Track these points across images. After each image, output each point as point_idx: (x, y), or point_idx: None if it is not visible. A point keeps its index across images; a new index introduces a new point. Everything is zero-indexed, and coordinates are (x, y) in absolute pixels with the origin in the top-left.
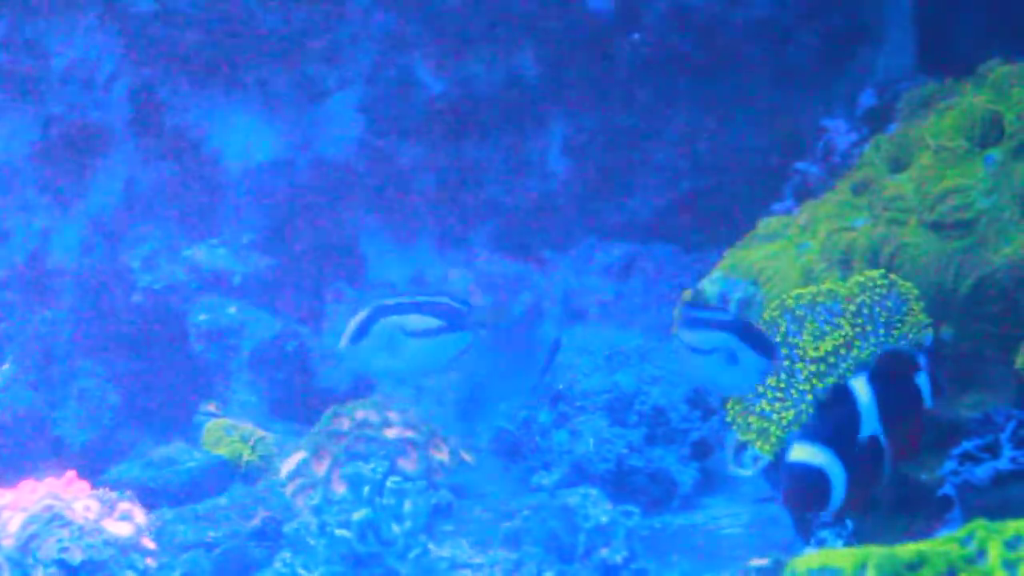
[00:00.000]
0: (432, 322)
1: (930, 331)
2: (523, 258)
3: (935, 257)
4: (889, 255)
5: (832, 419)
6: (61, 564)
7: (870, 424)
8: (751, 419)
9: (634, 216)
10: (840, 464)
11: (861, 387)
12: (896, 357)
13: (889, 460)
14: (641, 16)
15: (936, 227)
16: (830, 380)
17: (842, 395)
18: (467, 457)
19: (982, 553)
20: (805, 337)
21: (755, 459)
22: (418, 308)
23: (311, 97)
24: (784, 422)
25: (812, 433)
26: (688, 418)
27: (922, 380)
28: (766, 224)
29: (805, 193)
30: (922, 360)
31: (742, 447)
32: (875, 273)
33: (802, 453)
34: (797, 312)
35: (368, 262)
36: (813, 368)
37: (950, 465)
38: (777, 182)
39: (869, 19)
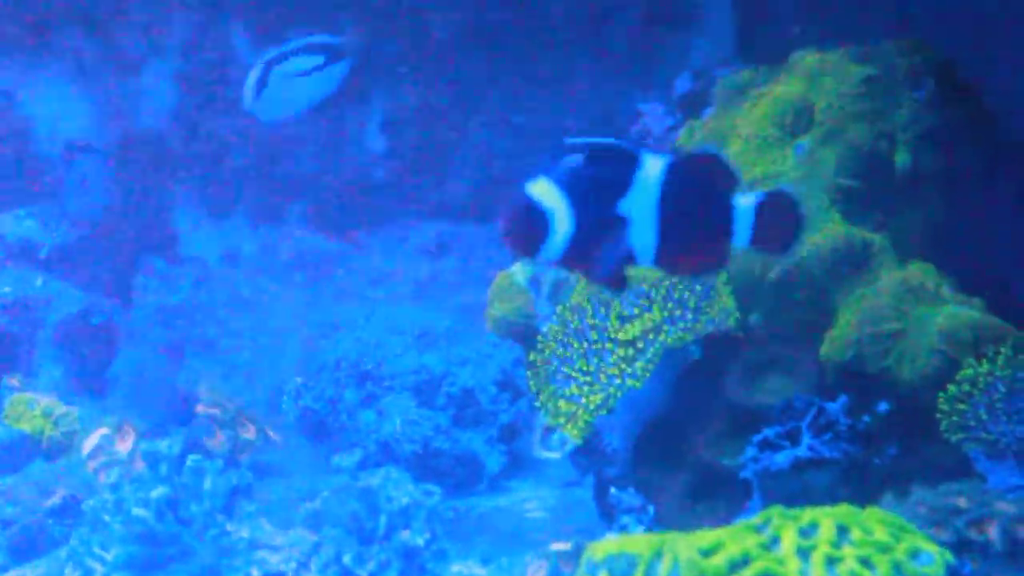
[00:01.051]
0: (316, 59)
1: (736, 315)
2: (338, 235)
3: None
4: None
5: (594, 173)
6: None
7: (639, 203)
8: (560, 403)
9: (450, 196)
10: (573, 221)
11: (653, 165)
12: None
13: (650, 255)
14: None
15: None
16: (639, 365)
17: (625, 158)
18: (273, 435)
19: (776, 540)
20: (612, 320)
21: (563, 443)
22: (300, 51)
23: (125, 67)
24: (592, 406)
25: (562, 177)
26: (497, 400)
27: (743, 214)
28: None
29: None
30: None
31: (550, 430)
32: None
33: (537, 188)
34: (603, 296)
35: (181, 236)
36: (622, 352)
37: (750, 452)
38: None
39: (689, 4)
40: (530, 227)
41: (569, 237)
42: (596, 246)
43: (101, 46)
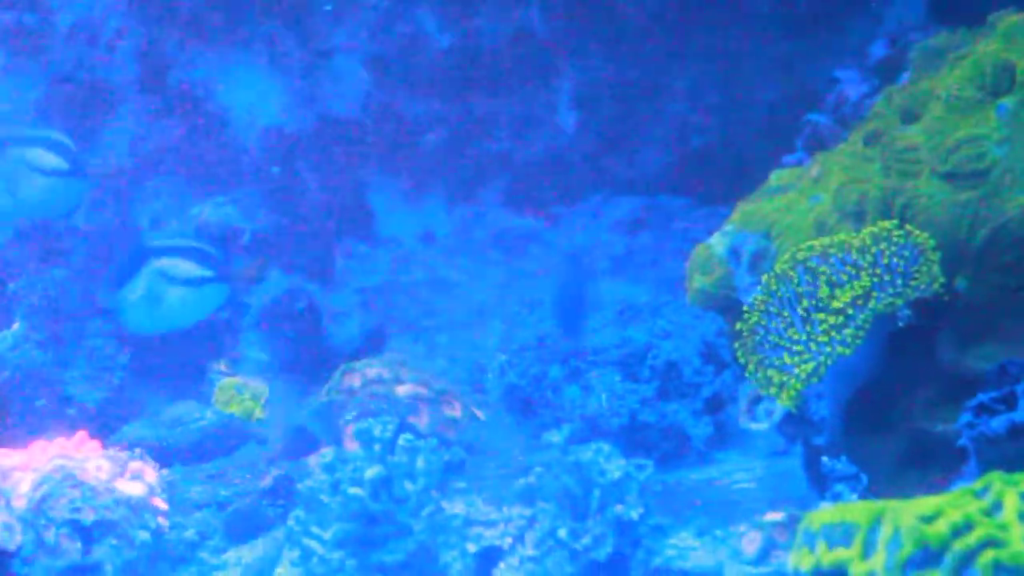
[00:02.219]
0: (197, 270)
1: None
2: (533, 212)
3: (948, 208)
4: (902, 206)
5: None
6: (73, 524)
7: None
8: (770, 373)
9: (644, 170)
10: None
11: None
12: None
13: None
14: None
15: (949, 177)
16: (848, 332)
17: None
18: (479, 414)
19: (998, 505)
20: (822, 287)
21: (769, 413)
22: (182, 253)
23: (317, 53)
24: (804, 375)
25: None
26: (701, 372)
27: None
28: (778, 176)
29: (817, 145)
30: None
31: (756, 401)
32: (889, 224)
33: None
34: (809, 264)
35: (378, 218)
36: (832, 319)
37: (965, 417)
38: (789, 134)
39: None
40: None
41: None
42: None
43: (293, 33)
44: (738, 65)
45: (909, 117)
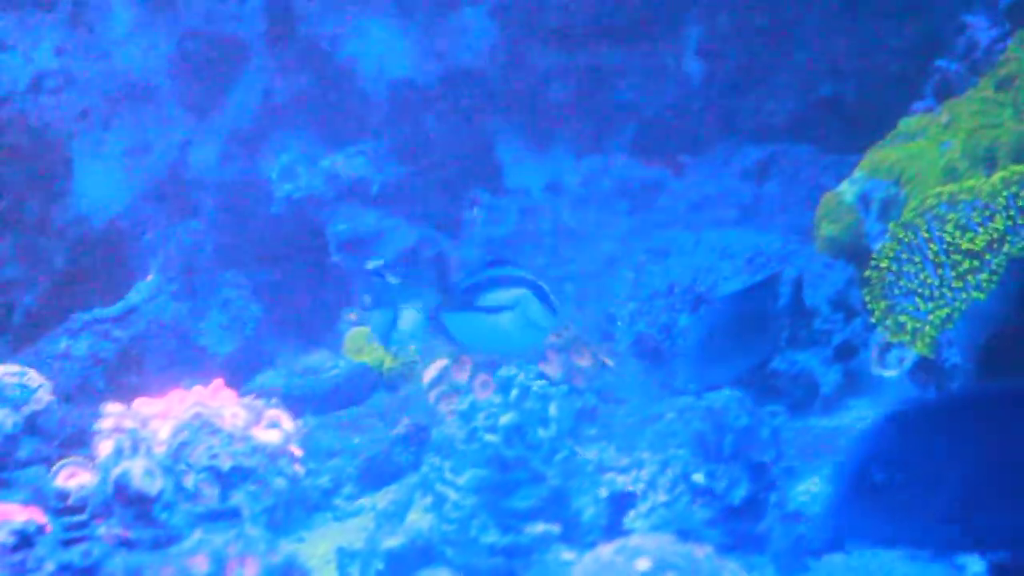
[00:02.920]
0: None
1: None
2: (660, 162)
3: None
4: None
5: None
6: (211, 470)
7: None
8: (903, 318)
9: (771, 118)
10: None
11: None
12: None
13: None
14: None
15: None
16: (983, 276)
17: None
18: (608, 362)
19: None
20: (954, 232)
21: (900, 360)
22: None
23: (444, 5)
24: (938, 321)
25: None
26: (831, 320)
27: None
28: (907, 124)
29: (946, 91)
30: None
31: (887, 348)
32: (1021, 167)
33: None
34: (938, 211)
35: (505, 168)
36: (967, 264)
37: None
38: (917, 81)
39: None
40: None
41: None
42: None
43: None
44: (865, 11)
45: None
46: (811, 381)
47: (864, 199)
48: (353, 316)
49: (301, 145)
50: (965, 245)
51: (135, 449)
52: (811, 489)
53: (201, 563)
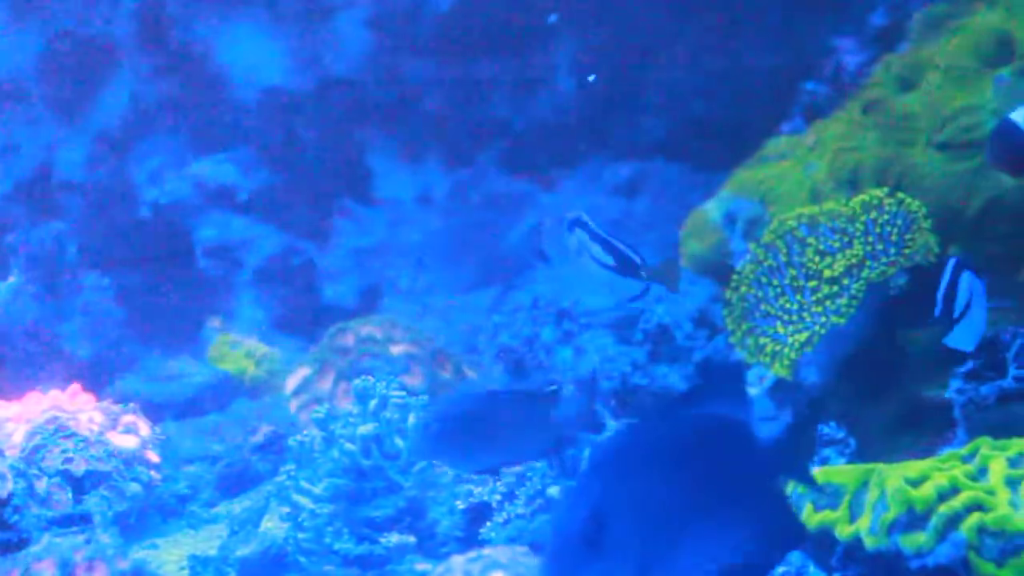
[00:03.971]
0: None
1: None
2: (530, 176)
3: (944, 178)
4: (898, 175)
5: None
6: (65, 475)
7: None
8: (762, 340)
9: (642, 135)
10: None
11: None
12: None
13: None
14: None
15: (945, 147)
16: (843, 301)
17: None
18: (470, 374)
19: (984, 471)
20: (812, 257)
21: (760, 378)
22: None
23: (318, 14)
24: (797, 344)
25: None
26: (693, 336)
27: None
28: (774, 144)
29: (814, 113)
30: None
31: (747, 366)
32: (881, 192)
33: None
34: (797, 233)
35: (376, 179)
36: (825, 289)
37: (955, 383)
38: (786, 102)
39: None
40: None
41: None
42: None
43: None
44: (736, 32)
45: (907, 86)
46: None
47: (730, 217)
48: (217, 323)
49: (169, 150)
50: (826, 273)
51: None
52: None
53: (48, 567)
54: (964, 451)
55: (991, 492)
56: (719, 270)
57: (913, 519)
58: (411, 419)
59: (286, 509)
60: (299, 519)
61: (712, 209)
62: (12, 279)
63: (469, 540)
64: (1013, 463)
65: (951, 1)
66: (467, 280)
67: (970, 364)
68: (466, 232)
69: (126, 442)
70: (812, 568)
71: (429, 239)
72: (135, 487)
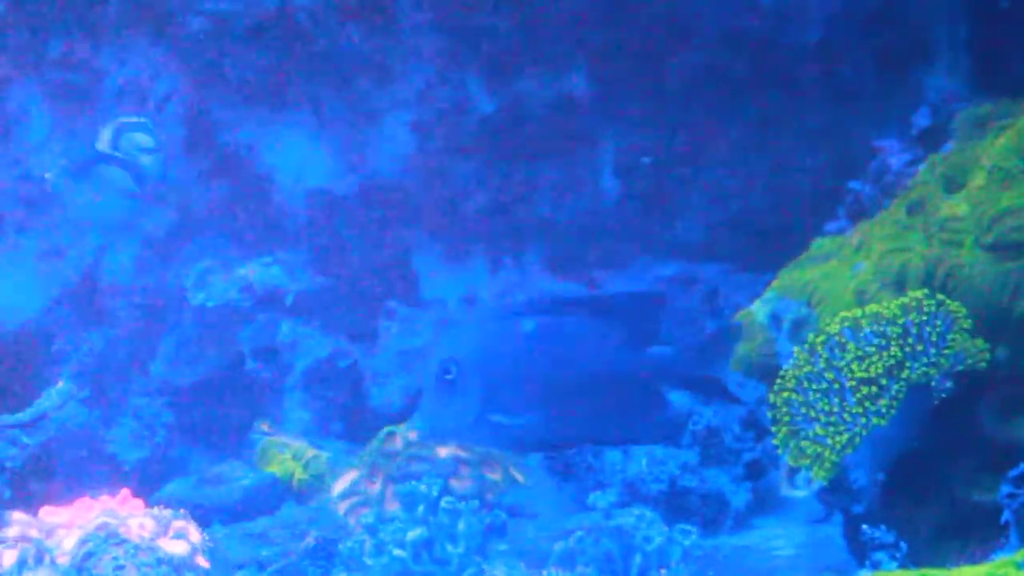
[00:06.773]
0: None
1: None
2: (575, 277)
3: (990, 278)
4: (944, 276)
5: None
6: None
7: None
8: (803, 443)
9: (686, 236)
10: None
11: None
12: None
13: None
14: (692, 36)
15: (992, 248)
16: (883, 403)
17: None
18: (519, 477)
19: None
20: (852, 360)
21: (808, 480)
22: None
23: (363, 116)
24: (838, 447)
25: None
26: (741, 438)
27: None
28: (819, 244)
29: (859, 213)
30: None
31: (796, 469)
32: (919, 293)
33: None
34: (840, 338)
35: (421, 280)
36: (865, 390)
37: (1006, 488)
38: (831, 202)
39: (922, 39)
40: None
41: None
42: None
43: (340, 95)
44: (780, 132)
45: (952, 186)
46: (721, 499)
47: (776, 318)
48: (265, 426)
49: (216, 253)
50: (859, 374)
51: (39, 559)
52: None
53: None
54: (1018, 557)
55: None
56: (766, 371)
57: None
58: (461, 525)
59: None
60: None
61: (758, 310)
62: (61, 384)
63: None
64: None
65: (995, 101)
66: None
67: (1021, 467)
68: None
69: (176, 548)
70: None
71: None
72: None
